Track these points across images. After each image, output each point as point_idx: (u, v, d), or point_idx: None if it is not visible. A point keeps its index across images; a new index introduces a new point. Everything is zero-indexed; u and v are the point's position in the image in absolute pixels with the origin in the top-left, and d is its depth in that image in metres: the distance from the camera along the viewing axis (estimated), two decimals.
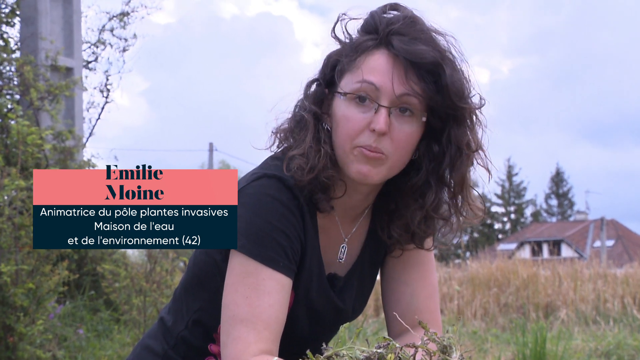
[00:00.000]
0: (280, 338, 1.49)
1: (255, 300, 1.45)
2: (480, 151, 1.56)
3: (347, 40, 1.56)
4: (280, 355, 1.47)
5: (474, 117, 1.54)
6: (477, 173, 1.59)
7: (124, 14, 9.52)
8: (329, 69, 1.56)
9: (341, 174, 1.55)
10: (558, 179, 54.31)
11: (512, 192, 52.30)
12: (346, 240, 1.65)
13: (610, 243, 37.33)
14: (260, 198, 1.49)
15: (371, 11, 1.55)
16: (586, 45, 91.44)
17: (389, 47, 1.49)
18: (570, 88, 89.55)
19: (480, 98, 1.55)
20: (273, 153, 1.61)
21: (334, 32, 1.57)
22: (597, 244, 35.69)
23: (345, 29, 1.56)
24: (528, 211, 54.27)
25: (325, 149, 1.52)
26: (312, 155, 1.51)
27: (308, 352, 1.21)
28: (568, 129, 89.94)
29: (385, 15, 1.54)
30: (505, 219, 52.61)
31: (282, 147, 1.61)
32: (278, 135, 1.61)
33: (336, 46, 1.59)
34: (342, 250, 1.65)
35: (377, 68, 1.48)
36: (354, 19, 1.57)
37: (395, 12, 1.54)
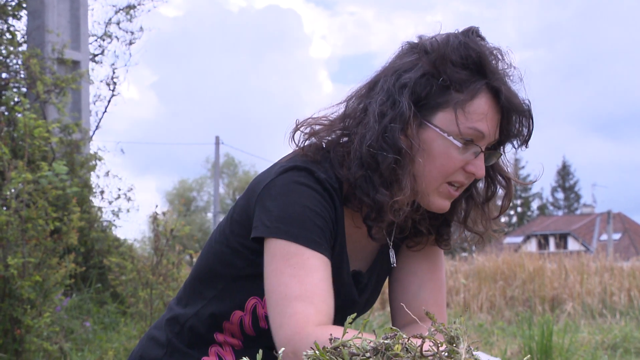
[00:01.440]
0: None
1: (305, 278, 1.42)
2: (509, 174, 1.67)
3: (441, 70, 1.50)
4: None
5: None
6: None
7: (131, 7, 9.54)
8: (424, 95, 1.50)
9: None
10: (565, 172, 54.26)
11: (519, 185, 52.17)
12: (391, 244, 1.67)
13: (616, 236, 37.26)
14: (292, 187, 1.48)
15: (464, 41, 1.51)
16: (594, 38, 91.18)
17: (495, 92, 1.51)
18: (578, 81, 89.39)
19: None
20: (298, 150, 1.58)
21: (436, 67, 1.50)
22: (604, 237, 35.65)
23: (441, 60, 1.50)
24: (534, 204, 54.31)
25: (412, 184, 1.52)
26: (398, 192, 1.50)
27: (315, 342, 1.20)
28: (575, 122, 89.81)
29: (481, 48, 1.51)
30: (511, 212, 52.56)
31: (305, 144, 1.58)
32: (311, 137, 1.58)
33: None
34: (392, 254, 1.68)
35: (487, 116, 1.52)
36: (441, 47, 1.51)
37: (482, 43, 1.53)
